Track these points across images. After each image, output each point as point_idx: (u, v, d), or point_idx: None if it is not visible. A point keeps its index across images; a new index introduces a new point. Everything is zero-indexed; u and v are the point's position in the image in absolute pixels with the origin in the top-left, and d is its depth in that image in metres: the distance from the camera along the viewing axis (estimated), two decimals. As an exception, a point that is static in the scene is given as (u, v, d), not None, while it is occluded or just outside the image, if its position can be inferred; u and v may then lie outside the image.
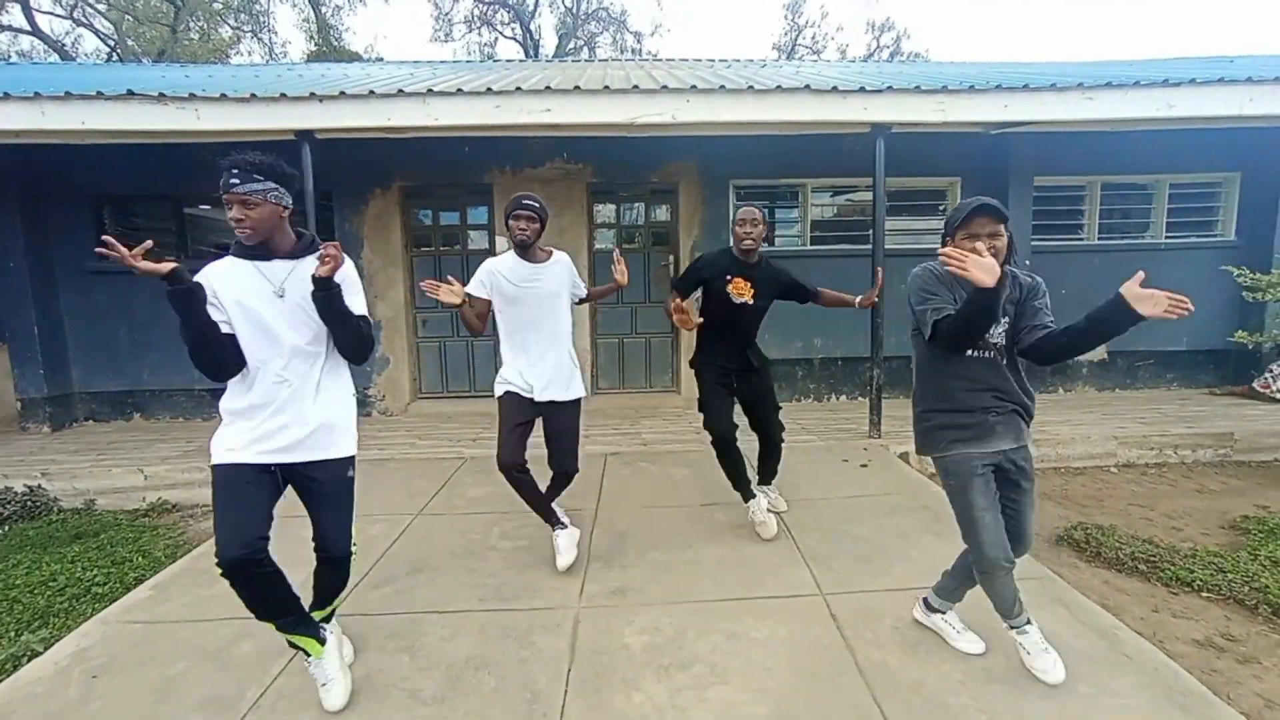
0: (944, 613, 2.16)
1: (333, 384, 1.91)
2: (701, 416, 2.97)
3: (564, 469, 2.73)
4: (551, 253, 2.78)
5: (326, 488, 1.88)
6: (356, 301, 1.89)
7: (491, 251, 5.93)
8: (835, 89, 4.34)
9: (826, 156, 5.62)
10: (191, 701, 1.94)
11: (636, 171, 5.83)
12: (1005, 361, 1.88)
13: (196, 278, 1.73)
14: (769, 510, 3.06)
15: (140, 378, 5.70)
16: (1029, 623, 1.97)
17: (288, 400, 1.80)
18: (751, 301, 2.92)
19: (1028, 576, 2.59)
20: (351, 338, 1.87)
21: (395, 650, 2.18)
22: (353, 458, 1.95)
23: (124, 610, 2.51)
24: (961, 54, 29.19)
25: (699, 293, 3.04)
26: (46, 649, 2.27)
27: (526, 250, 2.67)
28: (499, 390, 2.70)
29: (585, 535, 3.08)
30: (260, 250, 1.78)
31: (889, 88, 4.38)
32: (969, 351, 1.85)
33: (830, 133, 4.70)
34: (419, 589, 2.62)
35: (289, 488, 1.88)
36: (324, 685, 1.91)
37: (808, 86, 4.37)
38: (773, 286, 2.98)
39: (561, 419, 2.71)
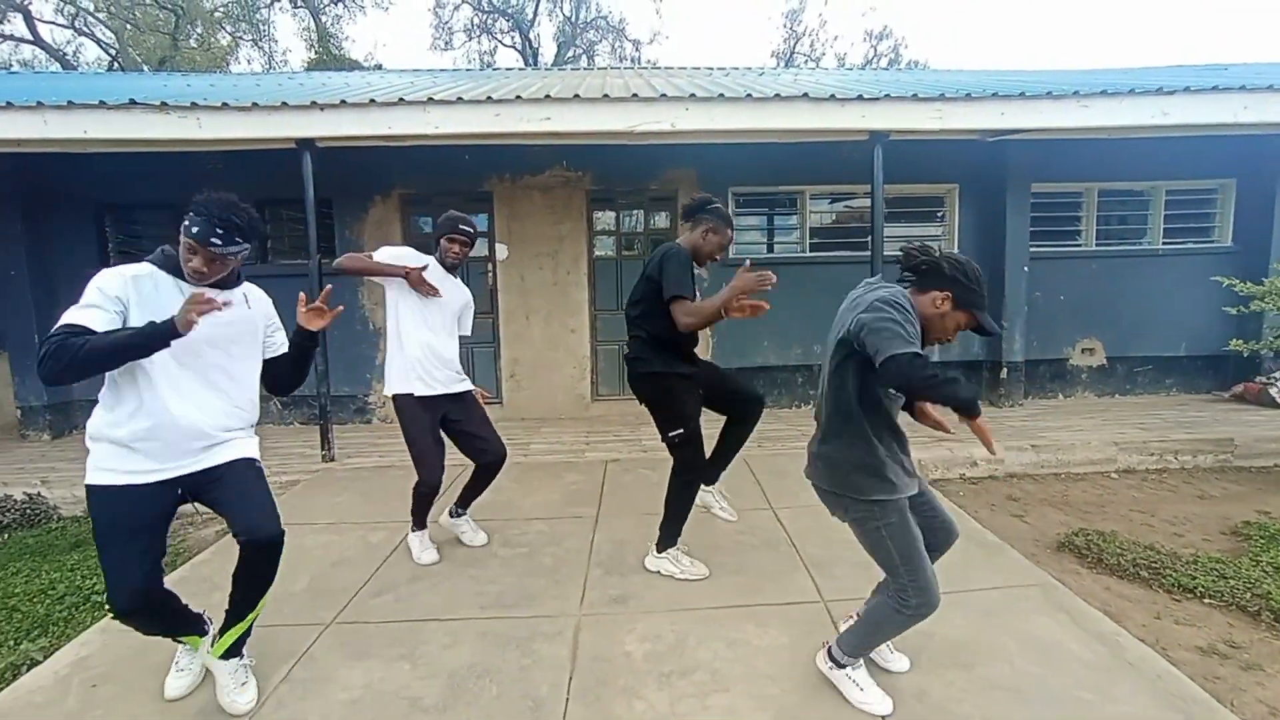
0: (851, 666, 1.93)
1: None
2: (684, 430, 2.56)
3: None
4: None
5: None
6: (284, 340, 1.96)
7: (491, 259, 5.95)
8: (833, 97, 4.38)
9: (825, 164, 5.65)
10: (190, 711, 1.93)
11: (636, 179, 5.86)
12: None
13: (112, 275, 1.67)
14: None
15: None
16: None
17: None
18: None
19: (1029, 583, 2.59)
20: (300, 379, 1.99)
21: (396, 658, 2.18)
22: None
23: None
24: (959, 62, 29.41)
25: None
26: (46, 658, 2.26)
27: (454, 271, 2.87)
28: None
29: (586, 542, 3.07)
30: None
31: (887, 95, 4.42)
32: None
33: (829, 140, 4.74)
34: (419, 596, 2.62)
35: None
36: (178, 671, 1.98)
37: (806, 94, 4.40)
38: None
39: None
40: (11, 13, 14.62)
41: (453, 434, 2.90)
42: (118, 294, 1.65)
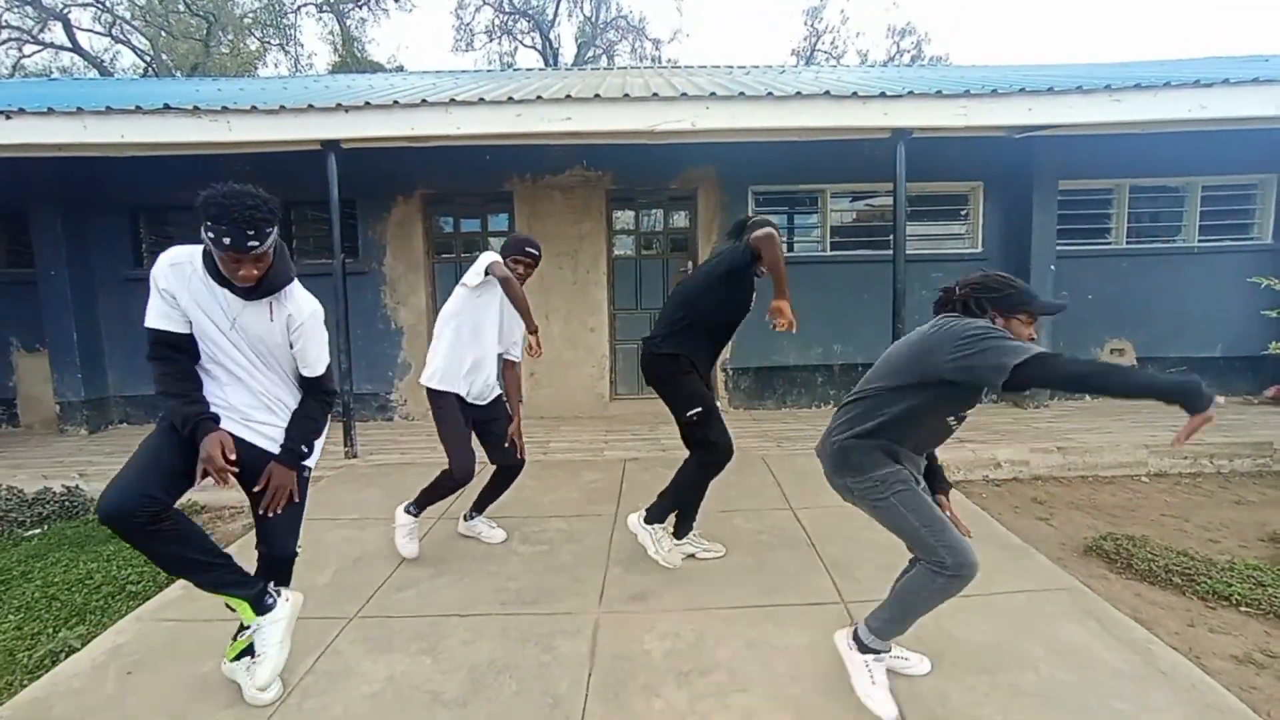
0: (875, 655, 1.90)
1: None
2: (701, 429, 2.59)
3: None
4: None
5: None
6: (316, 350, 1.89)
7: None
8: (855, 94, 4.33)
9: (846, 162, 5.59)
10: (221, 700, 1.98)
11: (655, 178, 5.86)
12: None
13: (157, 268, 1.71)
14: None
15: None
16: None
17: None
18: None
19: (1056, 587, 2.54)
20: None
21: (418, 652, 2.21)
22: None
23: (157, 608, 2.58)
24: (984, 59, 28.81)
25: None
26: (84, 645, 2.34)
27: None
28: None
29: (605, 540, 3.09)
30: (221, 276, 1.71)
31: (910, 92, 4.35)
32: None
33: (850, 138, 4.69)
34: (441, 592, 2.65)
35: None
36: (256, 660, 1.91)
37: (828, 92, 4.36)
38: None
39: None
40: (52, 21, 15.13)
41: (480, 433, 2.95)
42: (164, 287, 1.72)
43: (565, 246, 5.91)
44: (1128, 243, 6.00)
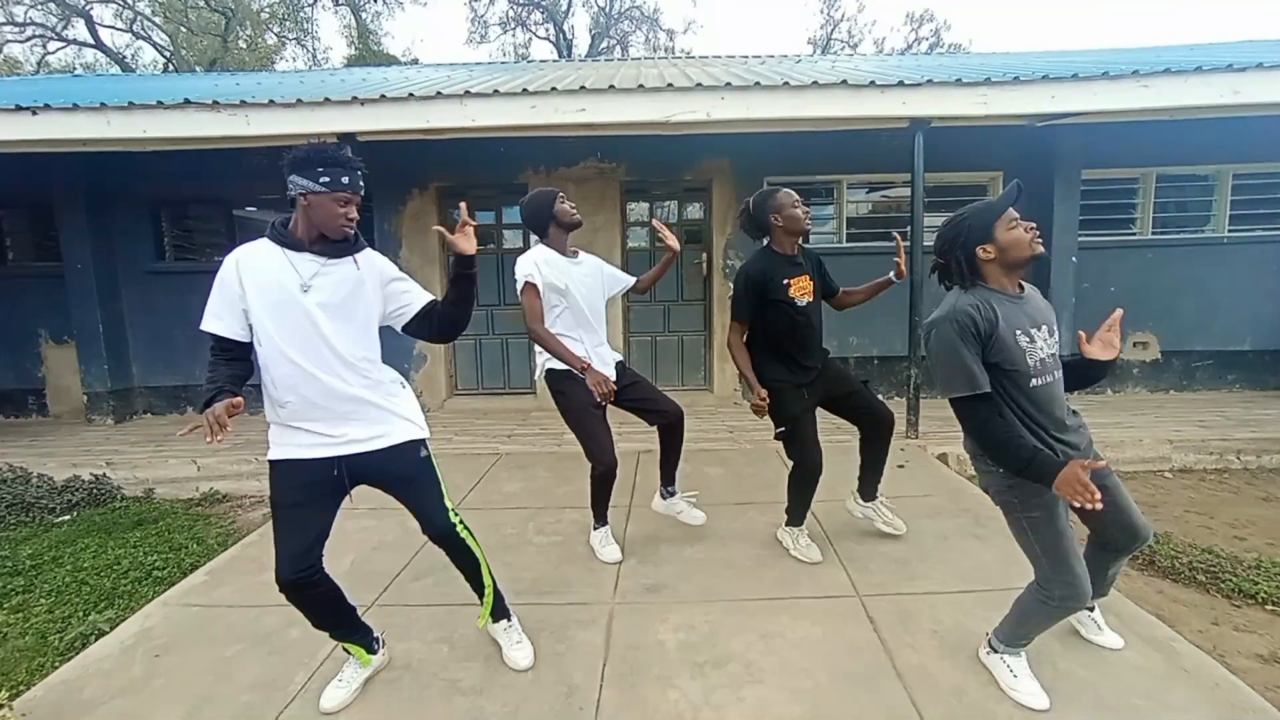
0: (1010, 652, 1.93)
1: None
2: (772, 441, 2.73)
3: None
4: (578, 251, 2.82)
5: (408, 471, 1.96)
6: (415, 288, 1.96)
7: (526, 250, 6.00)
8: (873, 83, 4.26)
9: (863, 152, 5.52)
10: (245, 682, 2.03)
11: (670, 170, 5.83)
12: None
13: (223, 271, 1.70)
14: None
15: (193, 373, 5.97)
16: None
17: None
18: (812, 299, 2.61)
19: (1076, 584, 2.50)
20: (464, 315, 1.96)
21: (435, 640, 2.24)
22: (420, 442, 1.99)
23: (182, 594, 2.64)
24: (1006, 45, 28.22)
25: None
26: (112, 628, 2.40)
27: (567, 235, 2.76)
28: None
29: (619, 532, 3.10)
30: (295, 240, 1.73)
31: (929, 81, 4.27)
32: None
33: (867, 128, 4.62)
34: (457, 581, 2.63)
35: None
36: (338, 683, 1.95)
37: (844, 82, 4.30)
38: (820, 272, 2.70)
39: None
40: (75, 18, 15.37)
41: (625, 404, 2.81)
42: (230, 291, 1.69)
43: (579, 239, 5.81)
44: (1153, 233, 5.85)
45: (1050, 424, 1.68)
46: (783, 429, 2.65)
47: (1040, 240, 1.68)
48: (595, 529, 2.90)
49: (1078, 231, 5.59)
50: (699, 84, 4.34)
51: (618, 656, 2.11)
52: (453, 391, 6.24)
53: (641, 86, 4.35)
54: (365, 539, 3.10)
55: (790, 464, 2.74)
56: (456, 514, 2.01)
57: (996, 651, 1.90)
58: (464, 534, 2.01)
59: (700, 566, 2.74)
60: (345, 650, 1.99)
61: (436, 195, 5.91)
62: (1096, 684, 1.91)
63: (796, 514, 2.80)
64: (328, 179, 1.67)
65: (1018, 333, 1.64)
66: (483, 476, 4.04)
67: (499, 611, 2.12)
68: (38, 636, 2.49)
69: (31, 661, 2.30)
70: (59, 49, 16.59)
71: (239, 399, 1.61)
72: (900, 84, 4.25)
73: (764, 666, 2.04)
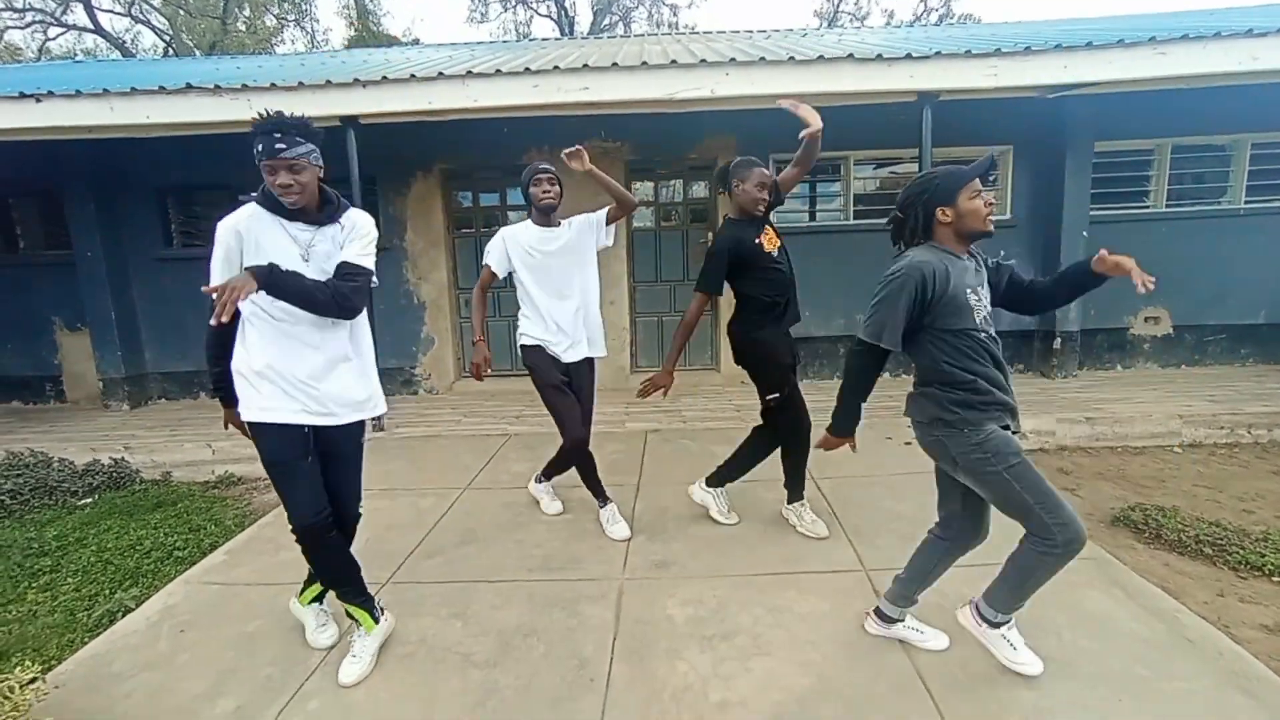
0: (902, 621, 2.02)
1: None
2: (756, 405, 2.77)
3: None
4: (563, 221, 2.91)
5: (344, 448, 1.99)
6: (359, 247, 1.85)
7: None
8: (880, 57, 4.18)
9: (870, 127, 5.41)
10: (266, 657, 2.09)
11: (674, 148, 5.76)
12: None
13: (219, 234, 1.78)
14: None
15: (204, 359, 6.04)
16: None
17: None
18: (781, 247, 2.71)
19: (1081, 556, 2.50)
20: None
21: (448, 616, 2.29)
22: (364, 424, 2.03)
23: (203, 573, 2.72)
24: (1017, 15, 27.43)
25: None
26: (138, 606, 2.48)
27: (549, 215, 2.86)
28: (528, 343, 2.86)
29: (628, 510, 3.14)
30: (289, 209, 1.77)
31: (936, 53, 4.19)
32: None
33: (874, 103, 4.54)
34: (469, 559, 2.74)
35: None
36: (352, 658, 1.99)
37: (851, 55, 4.22)
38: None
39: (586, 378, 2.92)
40: (73, 2, 15.26)
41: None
42: (221, 237, 1.79)
43: (586, 210, 5.87)
44: (1168, 206, 5.75)
45: (1004, 377, 1.75)
46: (776, 395, 2.68)
47: (992, 219, 1.74)
48: (538, 483, 3.11)
49: (1089, 205, 5.50)
50: (703, 60, 4.28)
51: (627, 631, 2.16)
52: (460, 374, 6.29)
53: (645, 64, 4.29)
54: (378, 519, 3.16)
55: (765, 439, 2.82)
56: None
57: (996, 626, 1.86)
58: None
59: (708, 543, 2.78)
60: (350, 617, 2.05)
61: (440, 177, 5.89)
62: (1100, 654, 1.93)
63: (798, 487, 2.83)
64: (260, 147, 1.70)
65: (967, 290, 1.71)
66: (492, 457, 4.09)
67: (324, 594, 2.19)
68: (66, 614, 2.57)
69: (61, 637, 2.38)
70: (59, 34, 16.52)
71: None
72: (908, 57, 4.17)
73: (771, 640, 2.08)
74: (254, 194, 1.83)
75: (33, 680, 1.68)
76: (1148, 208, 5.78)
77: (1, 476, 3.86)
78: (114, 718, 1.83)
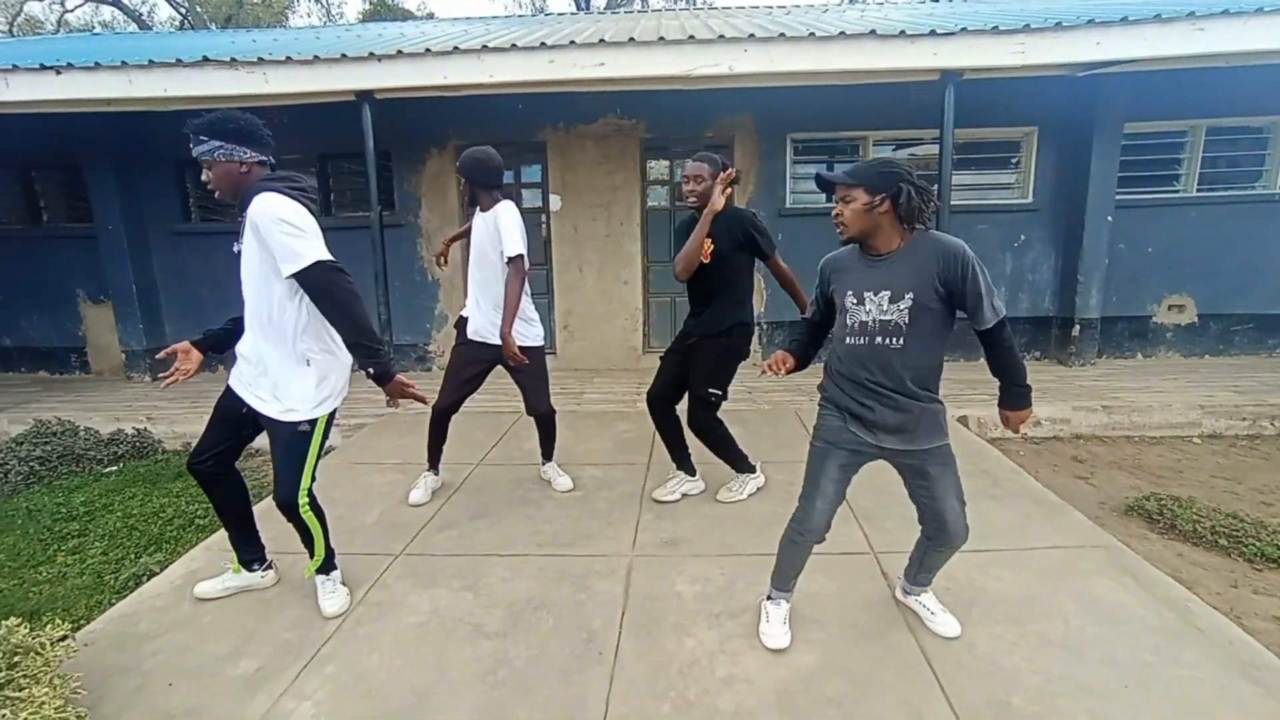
0: (917, 596, 2.09)
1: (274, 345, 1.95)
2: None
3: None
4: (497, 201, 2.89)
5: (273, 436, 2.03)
6: (278, 240, 1.78)
7: (545, 210, 5.97)
8: (903, 33, 4.07)
9: (890, 107, 5.31)
10: (284, 621, 2.16)
11: (690, 126, 5.68)
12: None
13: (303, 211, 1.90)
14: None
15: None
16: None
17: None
18: (708, 259, 2.64)
19: (1092, 545, 2.51)
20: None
21: (460, 588, 2.34)
22: (292, 423, 1.98)
23: (223, 540, 2.76)
24: (1049, -13, 26.37)
25: None
26: (162, 569, 2.56)
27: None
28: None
29: (638, 488, 3.17)
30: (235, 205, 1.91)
31: (962, 29, 4.07)
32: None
33: (896, 81, 4.43)
34: (481, 533, 2.78)
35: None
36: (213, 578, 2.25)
37: (873, 32, 4.11)
38: (730, 233, 2.64)
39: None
40: (90, -26, 15.23)
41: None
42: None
43: (598, 198, 5.84)
44: (1199, 190, 5.58)
45: (858, 378, 1.77)
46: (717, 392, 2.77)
47: (842, 230, 1.74)
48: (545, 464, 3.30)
49: (1115, 189, 5.35)
50: (721, 36, 4.19)
51: (636, 606, 2.19)
52: (474, 352, 6.32)
53: (662, 39, 4.22)
54: (392, 492, 3.22)
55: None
56: (306, 495, 2.10)
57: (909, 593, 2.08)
58: (305, 514, 2.11)
59: (717, 522, 2.80)
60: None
61: (455, 154, 5.85)
62: (1107, 640, 1.93)
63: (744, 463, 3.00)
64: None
65: (849, 293, 1.76)
66: (504, 434, 4.13)
67: (326, 567, 2.22)
68: (94, 576, 2.66)
69: (90, 598, 2.47)
70: (77, 6, 16.53)
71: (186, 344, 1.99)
72: (932, 33, 4.05)
73: (778, 617, 2.09)
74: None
75: (63, 638, 1.75)
76: (1177, 191, 5.62)
77: (31, 444, 3.98)
78: (141, 675, 1.91)
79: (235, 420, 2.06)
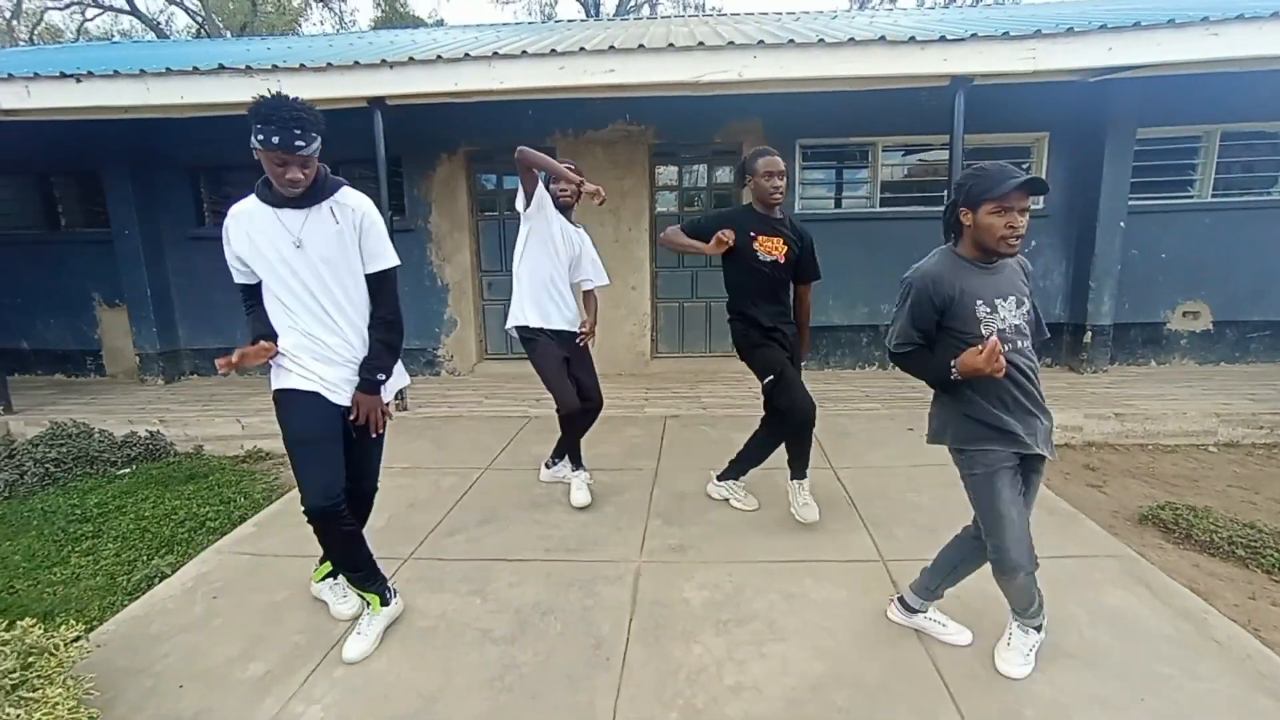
0: (924, 612, 2.03)
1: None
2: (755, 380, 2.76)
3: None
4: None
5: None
6: (382, 242, 1.89)
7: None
8: (913, 39, 4.06)
9: (900, 113, 5.30)
10: (294, 625, 2.17)
11: (699, 132, 5.70)
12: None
13: (226, 230, 1.86)
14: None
15: (234, 337, 6.18)
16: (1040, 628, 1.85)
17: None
18: (779, 260, 2.67)
19: (1106, 554, 2.48)
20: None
21: (468, 593, 2.34)
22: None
23: (233, 543, 2.81)
24: (1060, -9, 26.26)
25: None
26: (174, 571, 2.58)
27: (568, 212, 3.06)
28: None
29: (646, 493, 3.16)
30: (279, 197, 1.79)
31: (972, 35, 4.05)
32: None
33: (905, 87, 4.42)
34: (488, 538, 2.79)
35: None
36: (358, 635, 2.03)
37: (883, 38, 4.10)
38: (802, 241, 2.71)
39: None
40: (109, -16, 15.52)
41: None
42: (228, 243, 1.87)
43: (608, 203, 5.82)
44: (1214, 196, 5.52)
45: (1005, 385, 1.69)
46: (770, 376, 2.64)
47: (1016, 244, 1.63)
48: (572, 472, 3.16)
49: (1128, 195, 5.30)
50: (730, 42, 4.20)
51: (644, 612, 2.19)
52: (483, 356, 6.35)
53: (671, 45, 4.23)
54: (400, 496, 3.23)
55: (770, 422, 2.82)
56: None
57: (915, 611, 2.02)
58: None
59: (725, 528, 2.79)
60: (362, 598, 2.11)
61: (465, 159, 5.91)
62: (1122, 651, 1.91)
63: (799, 466, 2.80)
64: (262, 137, 1.69)
65: (979, 303, 1.67)
66: (513, 439, 4.14)
67: (335, 573, 2.22)
68: (107, 577, 2.69)
69: (103, 600, 2.50)
70: (96, 15, 16.83)
71: (264, 345, 1.84)
72: (942, 39, 4.04)
73: (786, 625, 2.09)
74: (255, 189, 1.87)
75: (76, 639, 1.77)
76: (1191, 197, 5.55)
77: (47, 446, 4.03)
78: (153, 676, 1.92)
79: (343, 435, 1.95)
